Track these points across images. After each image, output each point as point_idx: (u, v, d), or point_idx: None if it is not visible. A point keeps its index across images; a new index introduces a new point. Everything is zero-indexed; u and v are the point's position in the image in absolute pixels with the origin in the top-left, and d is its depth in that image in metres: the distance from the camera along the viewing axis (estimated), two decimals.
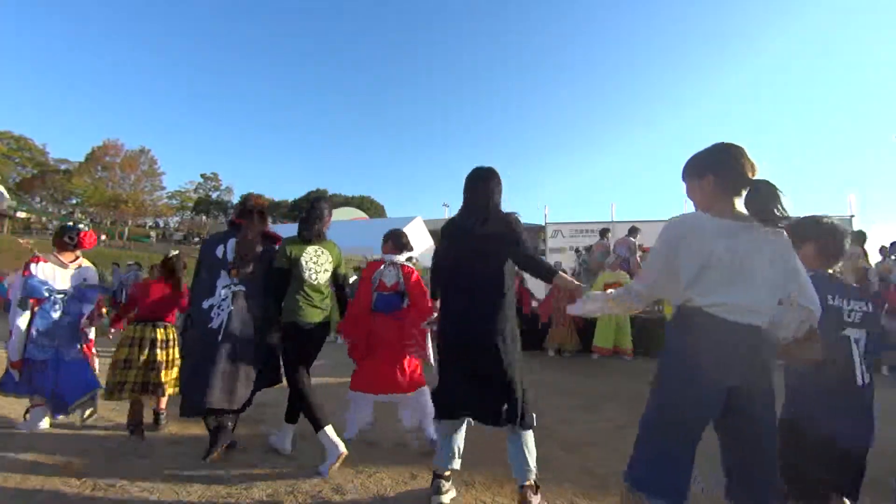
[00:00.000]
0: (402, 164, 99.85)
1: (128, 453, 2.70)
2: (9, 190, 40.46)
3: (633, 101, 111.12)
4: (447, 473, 2.22)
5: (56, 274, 3.08)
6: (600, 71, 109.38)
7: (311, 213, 2.95)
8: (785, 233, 1.52)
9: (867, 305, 1.64)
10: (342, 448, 2.54)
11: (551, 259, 10.67)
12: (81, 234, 3.24)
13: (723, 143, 1.59)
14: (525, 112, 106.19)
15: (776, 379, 1.49)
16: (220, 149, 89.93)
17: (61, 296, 3.07)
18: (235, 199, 56.55)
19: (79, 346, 3.19)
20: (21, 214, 36.14)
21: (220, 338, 2.60)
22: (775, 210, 1.42)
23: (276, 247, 2.92)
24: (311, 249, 2.86)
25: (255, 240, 2.83)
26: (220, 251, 2.75)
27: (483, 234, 2.20)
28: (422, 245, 12.18)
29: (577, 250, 9.91)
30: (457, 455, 2.21)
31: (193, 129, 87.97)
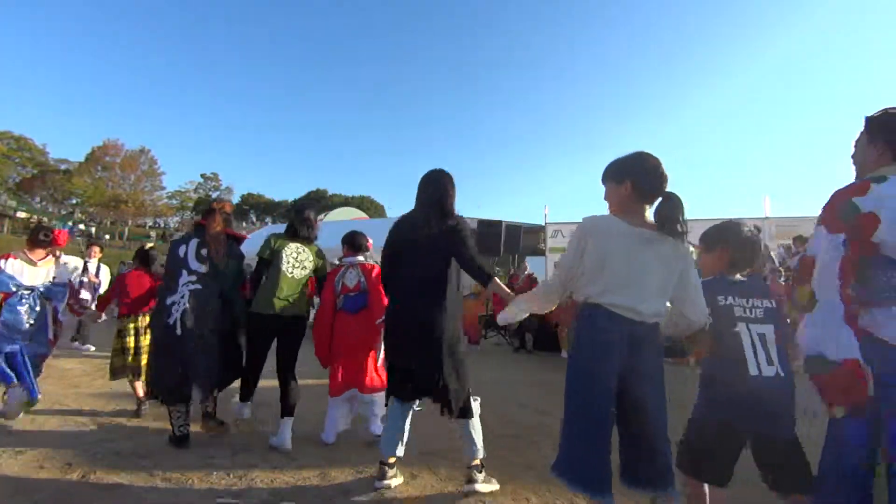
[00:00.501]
0: (402, 164, 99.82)
1: (128, 453, 2.70)
2: (8, 190, 40.49)
3: (634, 101, 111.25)
4: (392, 461, 2.33)
5: (24, 270, 3.21)
6: (601, 71, 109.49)
7: (301, 218, 3.16)
8: (688, 246, 1.71)
9: (770, 302, 1.73)
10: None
11: (551, 259, 10.69)
12: (56, 232, 3.42)
13: (643, 151, 1.75)
14: (525, 112, 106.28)
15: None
16: (220, 149, 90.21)
17: (28, 292, 3.17)
18: (235, 199, 56.65)
19: (46, 341, 3.31)
20: (21, 214, 36.16)
21: (176, 332, 2.79)
22: (679, 224, 1.64)
23: (240, 248, 3.17)
24: (293, 245, 3.07)
25: (221, 236, 3.01)
26: (182, 251, 2.94)
27: (428, 233, 2.25)
28: None
29: None
30: (401, 443, 2.32)
31: (193, 129, 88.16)
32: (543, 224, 11.38)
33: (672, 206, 1.66)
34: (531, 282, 7.93)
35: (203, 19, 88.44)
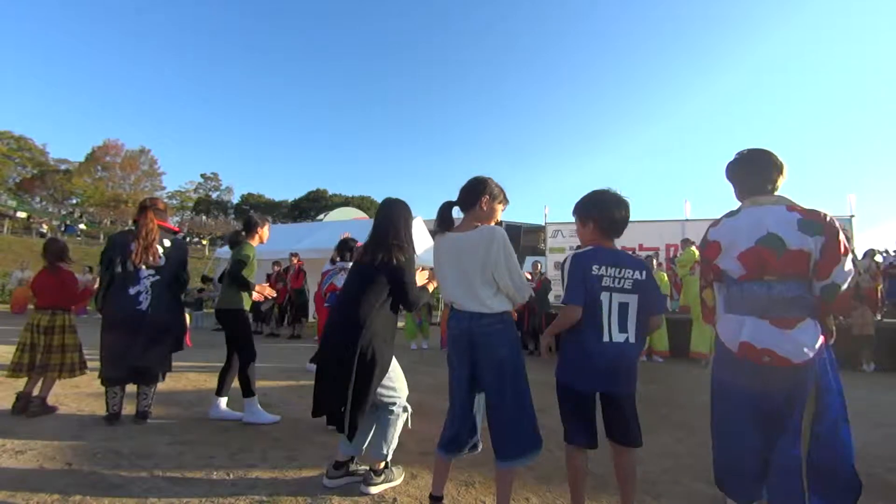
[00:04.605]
0: (402, 164, 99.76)
1: (128, 453, 2.70)
2: (8, 190, 40.47)
3: (633, 100, 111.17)
4: (343, 460, 2.38)
5: None
6: (600, 69, 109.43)
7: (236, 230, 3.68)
8: (491, 231, 1.97)
9: (641, 273, 1.85)
10: (220, 411, 3.36)
11: (551, 259, 10.70)
12: None
13: (476, 176, 2.13)
14: (525, 111, 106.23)
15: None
16: (220, 149, 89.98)
17: None
18: (235, 199, 56.63)
19: None
20: (21, 214, 36.14)
21: (146, 319, 3.16)
22: (439, 226, 2.11)
23: (180, 237, 3.56)
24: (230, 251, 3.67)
25: (153, 232, 3.28)
26: (133, 246, 3.23)
27: (369, 260, 2.29)
28: (422, 245, 12.14)
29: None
30: (358, 450, 2.38)
31: (193, 129, 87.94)
32: (543, 224, 11.41)
33: (440, 217, 2.12)
34: (544, 281, 7.97)
35: (203, 19, 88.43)
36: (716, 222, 1.83)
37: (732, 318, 1.70)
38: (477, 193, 2.08)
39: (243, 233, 3.63)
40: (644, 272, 1.87)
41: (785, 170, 1.77)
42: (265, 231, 3.64)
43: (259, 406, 3.41)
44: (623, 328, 1.80)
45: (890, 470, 2.70)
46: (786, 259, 1.60)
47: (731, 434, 1.72)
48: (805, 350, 1.55)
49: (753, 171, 1.77)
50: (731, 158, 1.85)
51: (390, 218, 2.36)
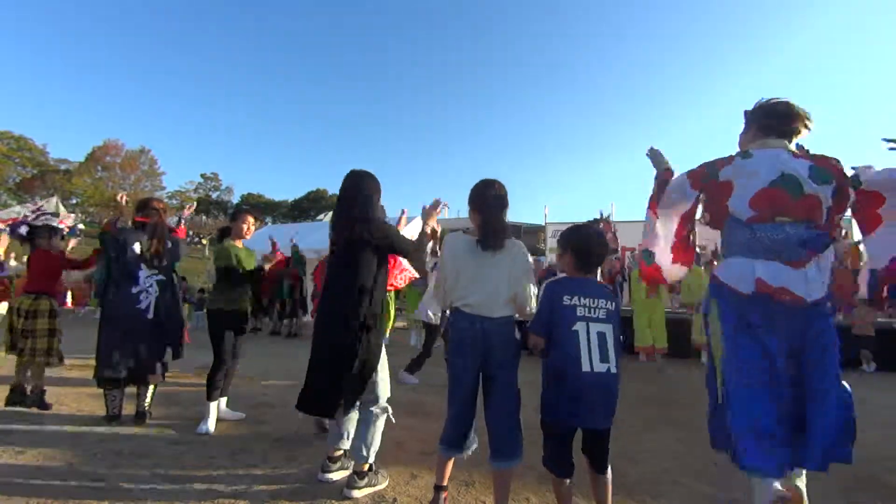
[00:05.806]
0: (402, 164, 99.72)
1: (128, 453, 2.70)
2: (8, 190, 40.46)
3: (634, 101, 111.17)
4: (336, 454, 2.43)
5: None
6: (600, 71, 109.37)
7: None
8: (518, 246, 2.07)
9: (611, 304, 1.87)
10: (206, 428, 3.08)
11: (551, 259, 10.73)
12: None
13: (481, 181, 2.13)
14: (525, 112, 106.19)
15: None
16: (220, 149, 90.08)
17: None
18: (235, 199, 56.56)
19: None
20: None
21: (148, 316, 3.19)
22: (492, 240, 2.03)
23: (178, 239, 3.56)
24: None
25: (164, 233, 3.36)
26: (137, 247, 3.26)
27: (348, 238, 2.29)
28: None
29: None
30: (345, 437, 2.41)
31: (193, 129, 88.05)
32: (543, 224, 11.42)
33: (484, 227, 2.05)
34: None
35: (204, 19, 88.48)
36: (727, 160, 1.78)
37: (740, 262, 1.68)
38: (507, 202, 2.13)
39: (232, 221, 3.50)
40: (613, 303, 1.88)
41: (809, 122, 1.75)
42: (243, 225, 3.44)
43: (210, 415, 3.18)
44: (604, 358, 1.78)
45: (890, 470, 2.69)
46: (802, 202, 1.60)
47: (752, 388, 1.57)
48: (818, 288, 1.56)
49: (780, 116, 1.76)
50: (765, 100, 1.83)
51: (362, 191, 2.37)
